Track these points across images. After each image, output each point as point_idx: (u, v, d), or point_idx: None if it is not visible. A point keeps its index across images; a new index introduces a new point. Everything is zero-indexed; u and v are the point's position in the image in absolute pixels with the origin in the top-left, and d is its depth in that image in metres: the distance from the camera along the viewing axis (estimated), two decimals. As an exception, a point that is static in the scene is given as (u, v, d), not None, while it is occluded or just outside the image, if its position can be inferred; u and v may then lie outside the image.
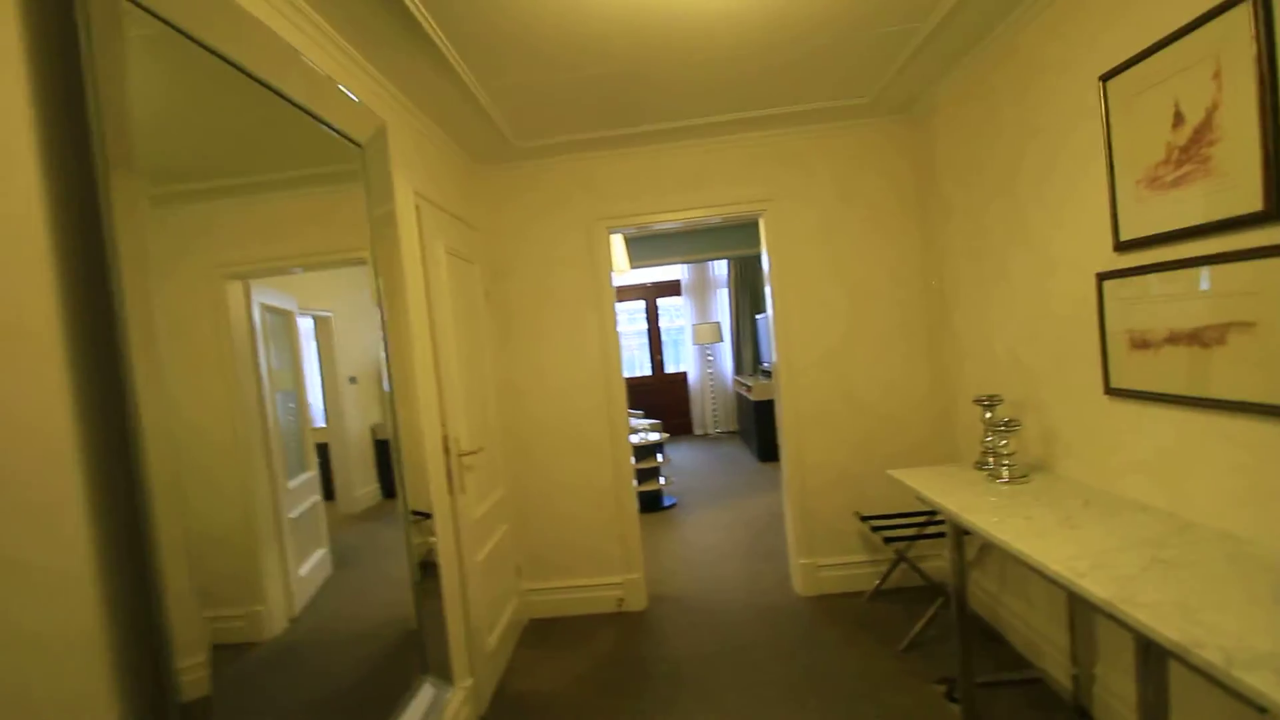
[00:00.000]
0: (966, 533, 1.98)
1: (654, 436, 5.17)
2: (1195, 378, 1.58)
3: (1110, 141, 1.79)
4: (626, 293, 8.64)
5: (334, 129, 1.87)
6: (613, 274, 3.29)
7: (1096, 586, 1.28)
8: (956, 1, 2.03)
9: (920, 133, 3.02)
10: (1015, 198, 2.30)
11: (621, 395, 3.26)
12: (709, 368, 8.34)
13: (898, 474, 2.42)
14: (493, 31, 1.95)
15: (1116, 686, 1.99)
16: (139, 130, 1.13)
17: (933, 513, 2.95)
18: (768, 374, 6.98)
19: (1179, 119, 1.56)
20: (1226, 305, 1.47)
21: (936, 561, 3.16)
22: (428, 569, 2.44)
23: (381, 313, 2.24)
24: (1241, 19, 1.37)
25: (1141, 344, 1.76)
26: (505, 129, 2.72)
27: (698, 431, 8.51)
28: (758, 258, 7.83)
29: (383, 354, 2.31)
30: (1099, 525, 1.65)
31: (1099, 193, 1.86)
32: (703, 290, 8.38)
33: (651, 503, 5.07)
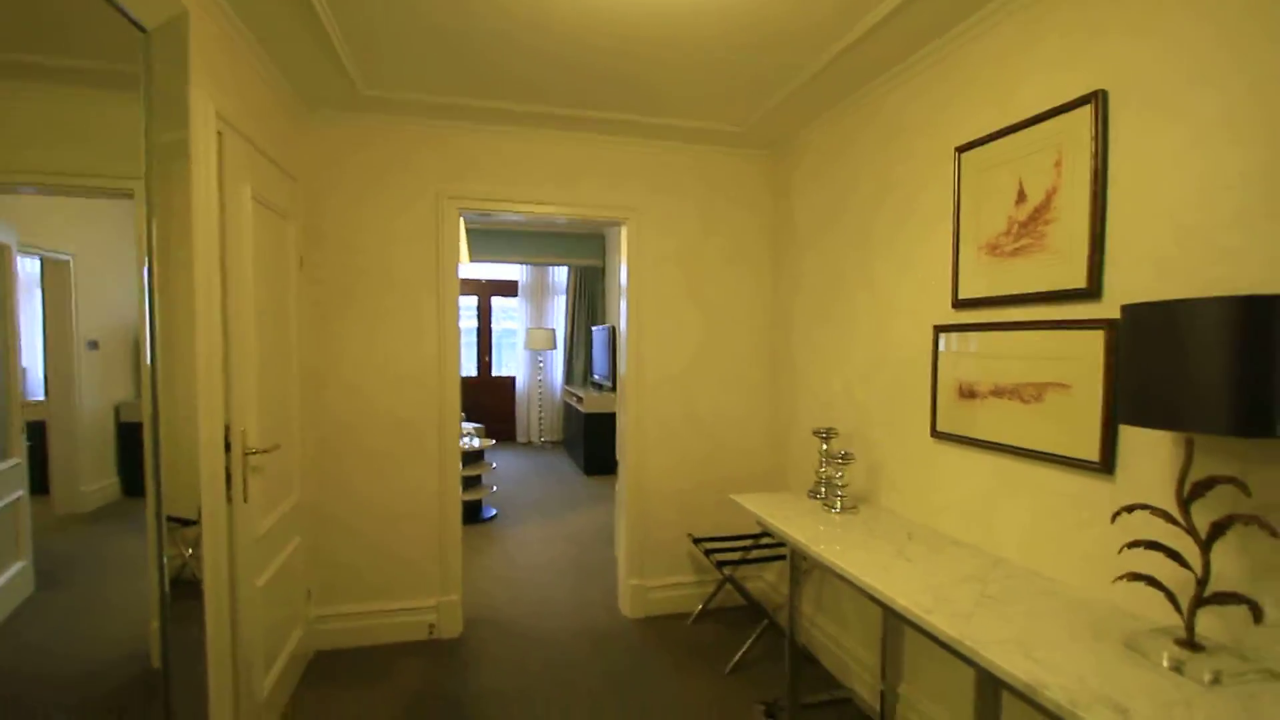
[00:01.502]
0: (797, 557, 2.04)
1: (477, 442, 4.80)
2: (1013, 428, 1.77)
3: (959, 206, 1.97)
4: (461, 286, 8.08)
5: None
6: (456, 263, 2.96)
7: (945, 624, 1.33)
8: (839, 51, 2.12)
9: (784, 170, 3.16)
10: (867, 245, 2.46)
11: (455, 396, 2.93)
12: (539, 374, 8.09)
13: (741, 499, 2.44)
14: (359, -57, 1.59)
15: (919, 703, 2.16)
16: None
17: (760, 535, 3.05)
18: (599, 386, 6.94)
19: (1022, 196, 1.75)
20: (1047, 367, 1.66)
21: (757, 583, 3.28)
22: (182, 590, 1.91)
23: (150, 262, 1.71)
24: (1083, 118, 1.56)
25: (969, 394, 1.94)
26: (353, 70, 2.29)
27: (521, 439, 8.20)
28: (599, 270, 7.82)
29: (146, 315, 1.77)
30: (929, 559, 1.76)
31: (944, 251, 2.04)
32: (540, 294, 8.14)
33: (472, 514, 4.69)
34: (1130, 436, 1.45)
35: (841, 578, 1.71)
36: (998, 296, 1.83)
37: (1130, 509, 1.31)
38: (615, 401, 6.26)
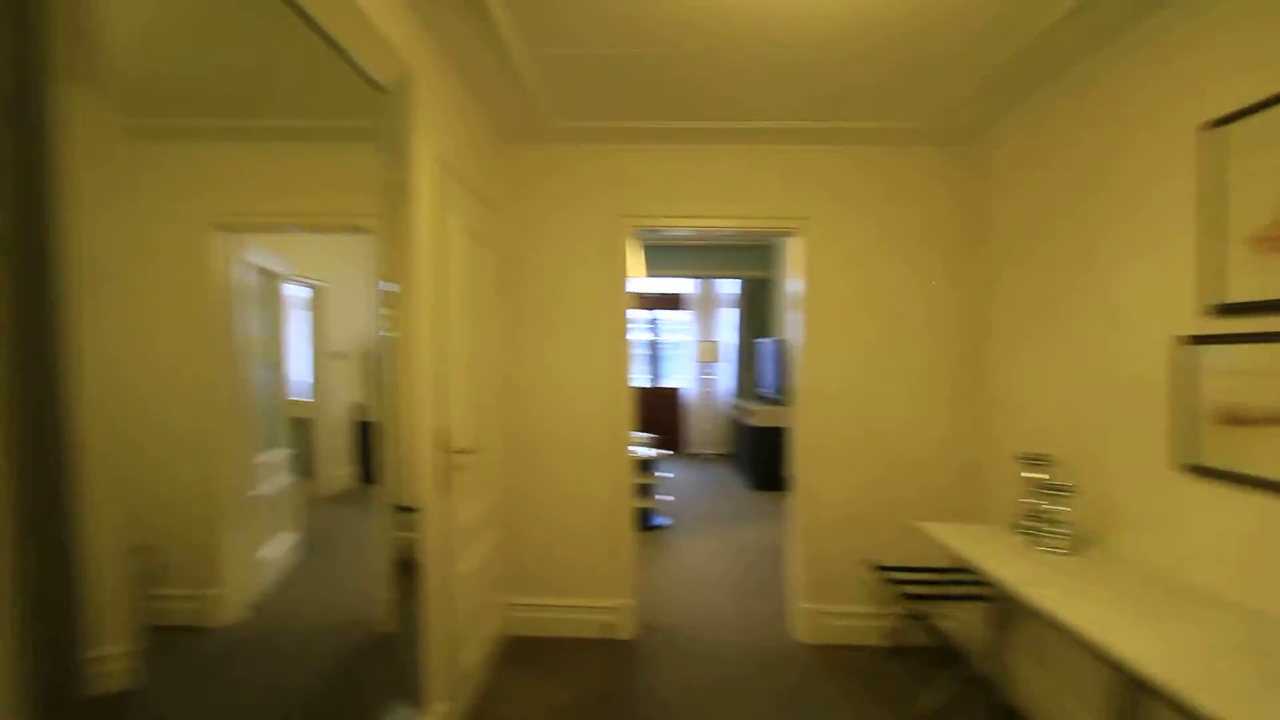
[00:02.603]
0: (1003, 599, 1.80)
1: (650, 452, 4.94)
2: (1309, 464, 1.40)
3: (1212, 194, 1.62)
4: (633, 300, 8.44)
5: (356, 65, 1.65)
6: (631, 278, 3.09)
7: (1226, 709, 1.08)
8: (1042, 31, 1.86)
9: (976, 166, 2.86)
10: (1084, 246, 2.13)
11: (628, 406, 3.05)
12: (706, 386, 8.14)
13: (931, 528, 2.23)
14: (554, -9, 1.74)
15: (1163, 793, 1.79)
16: (122, 46, 0.92)
17: (951, 569, 2.75)
18: (767, 400, 6.79)
19: (1318, 174, 1.39)
20: (1366, 387, 1.29)
21: (947, 622, 2.96)
22: (406, 570, 2.19)
23: (385, 289, 2.01)
24: None
25: (1233, 419, 1.58)
26: (543, 105, 2.51)
27: (688, 451, 8.30)
28: (767, 281, 7.69)
29: (380, 333, 2.08)
30: (1180, 619, 1.46)
31: (1187, 248, 1.69)
32: (708, 307, 8.20)
33: (642, 521, 4.84)
34: None
35: (1066, 631, 1.47)
36: (1273, 301, 1.47)
37: None
38: (784, 416, 6.09)
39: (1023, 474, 2.17)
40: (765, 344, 7.07)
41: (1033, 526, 2.08)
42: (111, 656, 0.90)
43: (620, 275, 3.04)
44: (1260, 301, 1.52)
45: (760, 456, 6.23)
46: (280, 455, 3.64)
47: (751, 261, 7.64)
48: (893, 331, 2.99)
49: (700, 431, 8.22)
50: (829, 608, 3.02)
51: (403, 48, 1.76)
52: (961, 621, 2.93)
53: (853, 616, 3.02)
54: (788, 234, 3.06)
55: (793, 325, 3.08)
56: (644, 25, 1.93)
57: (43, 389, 0.75)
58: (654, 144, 2.96)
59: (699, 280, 8.05)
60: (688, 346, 8.23)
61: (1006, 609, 2.49)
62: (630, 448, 3.09)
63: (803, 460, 3.02)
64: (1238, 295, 1.58)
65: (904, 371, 3.00)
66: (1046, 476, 2.10)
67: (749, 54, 2.09)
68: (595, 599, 3.06)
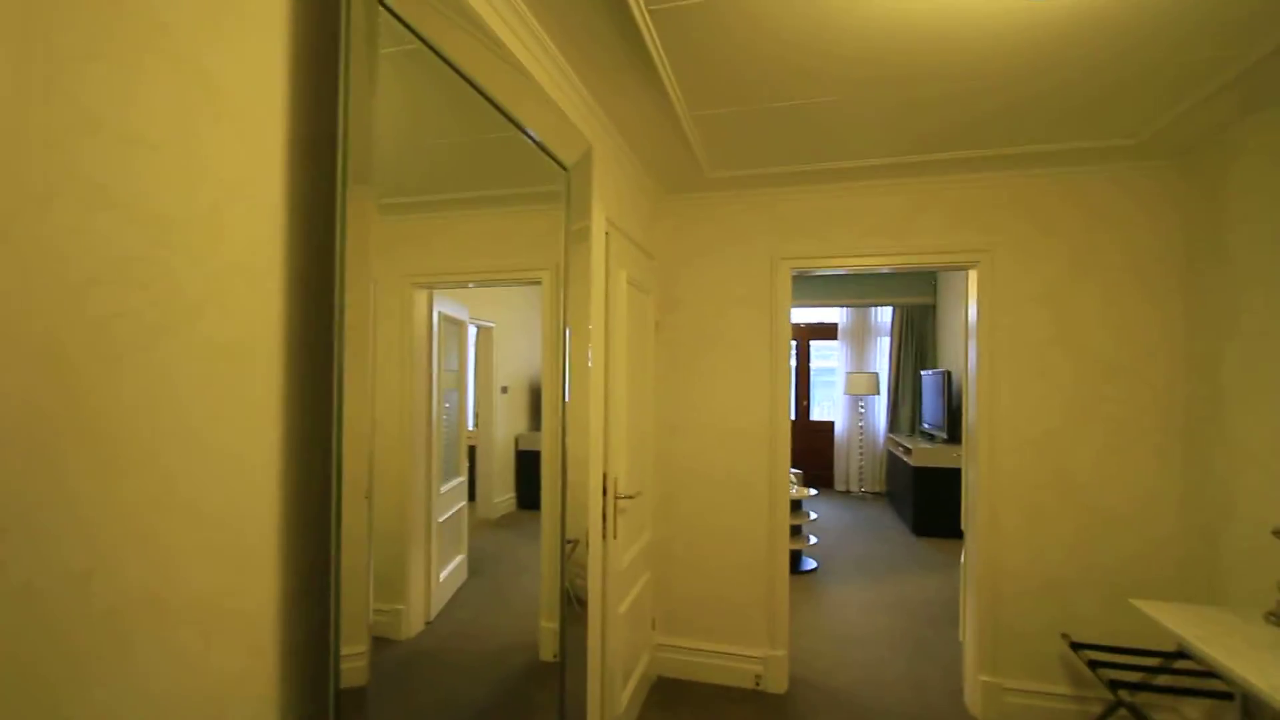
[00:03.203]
0: (1246, 702, 1.48)
1: (800, 490, 4.78)
2: None
3: None
4: (777, 331, 8.30)
5: (548, 152, 1.82)
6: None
7: None
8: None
9: (1198, 182, 2.47)
10: (1367, 276, 1.74)
11: (786, 448, 2.98)
12: (860, 420, 7.71)
13: (1148, 608, 1.91)
14: (715, 56, 1.81)
15: None
16: (377, 145, 1.12)
17: (1173, 655, 2.33)
18: (930, 436, 6.27)
19: None
20: None
21: (1168, 716, 2.50)
22: (569, 602, 2.31)
23: (560, 335, 2.18)
24: None
25: None
26: (702, 158, 2.59)
27: (839, 487, 7.89)
28: (930, 308, 7.17)
29: (558, 371, 2.25)
30: None
31: None
32: (861, 336, 7.80)
33: (791, 564, 4.67)
34: None
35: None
36: None
37: None
38: (952, 455, 5.58)
39: None
40: (929, 376, 6.57)
41: (1294, 620, 1.71)
42: (353, 655, 1.07)
43: (777, 316, 3.01)
44: None
45: (921, 498, 5.76)
46: (457, 483, 4.03)
47: (911, 288, 7.19)
48: (1095, 373, 2.64)
49: (853, 468, 7.79)
50: (1011, 683, 2.69)
51: (583, 127, 1.92)
52: (1184, 716, 2.46)
53: (1043, 696, 2.65)
54: (963, 268, 2.84)
55: (971, 359, 2.84)
56: (799, 85, 1.94)
57: (321, 429, 0.94)
58: (810, 184, 2.92)
59: (850, 309, 7.71)
60: (838, 377, 7.89)
61: (1249, 710, 2.05)
62: (788, 487, 3.01)
63: (981, 517, 2.75)
64: None
65: (1106, 417, 2.63)
66: (1312, 560, 1.72)
67: (901, 96, 2.00)
68: (744, 647, 2.99)
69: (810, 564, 4.83)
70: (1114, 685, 2.29)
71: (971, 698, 2.77)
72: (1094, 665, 2.38)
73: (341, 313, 0.92)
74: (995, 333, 2.74)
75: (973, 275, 2.80)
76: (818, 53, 1.77)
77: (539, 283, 3.27)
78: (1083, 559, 2.64)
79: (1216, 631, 1.74)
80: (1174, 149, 2.45)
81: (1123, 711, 2.40)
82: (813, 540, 5.20)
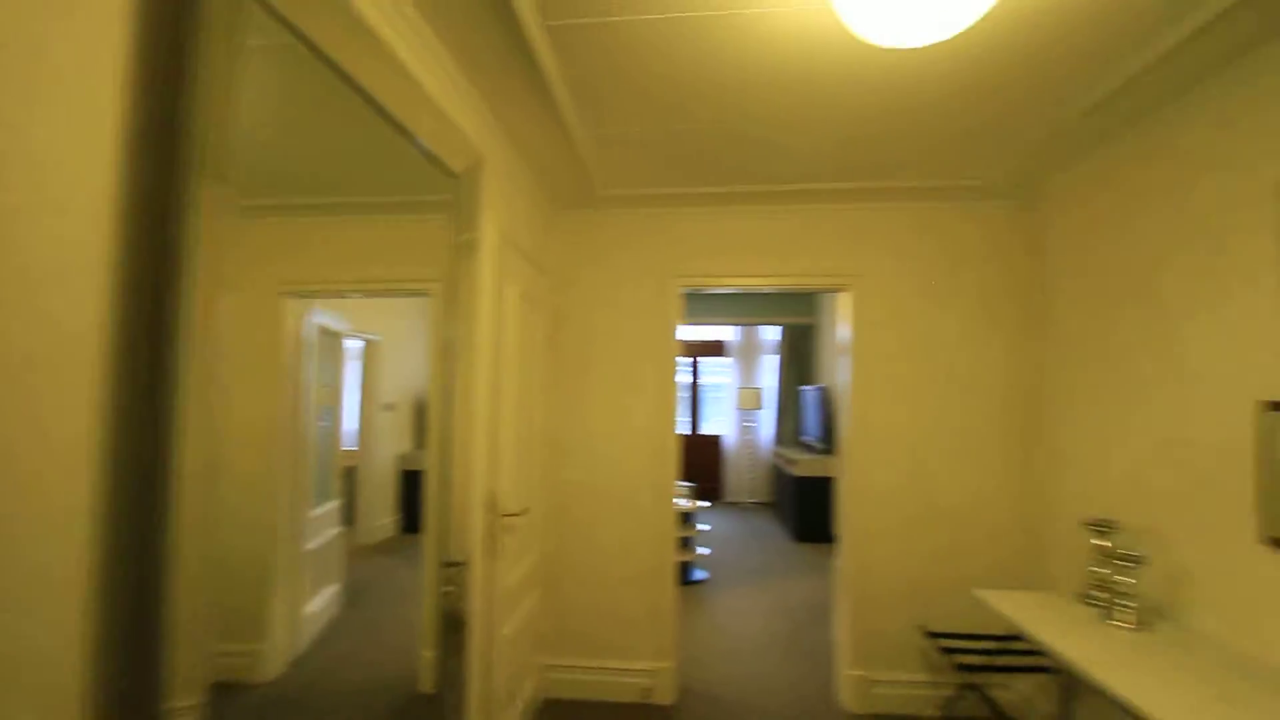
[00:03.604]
0: (1066, 673, 1.70)
1: (690, 503, 4.90)
2: (1406, 547, 1.32)
3: (1289, 256, 1.58)
4: (670, 347, 8.50)
5: (435, 158, 1.77)
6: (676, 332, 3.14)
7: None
8: (1117, 87, 1.87)
9: (1031, 222, 2.84)
10: (1153, 305, 2.08)
11: (674, 461, 3.05)
12: (747, 434, 8.06)
13: (989, 597, 2.14)
14: (608, 75, 1.85)
15: None
16: (238, 140, 1.03)
17: (1010, 637, 2.62)
18: (810, 448, 6.68)
19: (1393, 242, 1.35)
20: None
21: (1006, 693, 2.80)
22: (450, 627, 2.20)
23: (444, 351, 2.10)
24: None
25: (1320, 492, 1.50)
26: (595, 176, 2.63)
27: (730, 499, 8.18)
28: (811, 328, 7.66)
29: (433, 388, 2.16)
30: (1263, 710, 1.36)
31: (1273, 309, 1.65)
32: (749, 353, 8.19)
33: (681, 576, 4.76)
34: None
35: (1093, 690, 1.39)
36: (1363, 370, 1.41)
37: None
38: (830, 465, 5.97)
39: (1092, 541, 2.09)
40: (809, 391, 7.00)
41: (1099, 598, 1.99)
42: (186, 709, 0.94)
43: (666, 334, 3.09)
44: (1336, 372, 1.46)
45: (803, 507, 6.10)
46: (331, 507, 3.72)
47: (794, 308, 7.65)
48: (947, 390, 2.94)
49: (740, 480, 8.10)
50: (878, 675, 2.90)
51: (474, 137, 1.88)
52: (1020, 693, 2.77)
53: (905, 685, 2.88)
54: (838, 289, 3.08)
55: (841, 374, 3.07)
56: (689, 108, 2.03)
57: (150, 446, 0.83)
58: (702, 207, 3.05)
59: (740, 327, 8.07)
60: (728, 393, 8.21)
61: (1069, 683, 2.35)
62: (675, 501, 3.08)
63: (851, 523, 2.96)
64: (1311, 364, 1.52)
65: (959, 430, 2.93)
66: (1112, 545, 2.01)
67: (794, 135, 2.16)
68: (634, 661, 3.01)
69: (701, 575, 4.95)
70: (961, 668, 2.54)
71: (844, 692, 2.96)
72: (945, 652, 2.63)
73: (180, 322, 0.83)
74: (864, 351, 2.98)
75: (846, 297, 3.04)
76: (706, 79, 1.87)
77: (425, 294, 3.13)
78: (938, 557, 2.91)
79: (1042, 614, 1.99)
80: (1014, 191, 2.81)
81: (970, 693, 2.66)
82: (703, 551, 5.32)
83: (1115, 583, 1.93)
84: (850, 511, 2.96)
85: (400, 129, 1.59)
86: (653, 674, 2.98)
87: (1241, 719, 1.32)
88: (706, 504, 5.15)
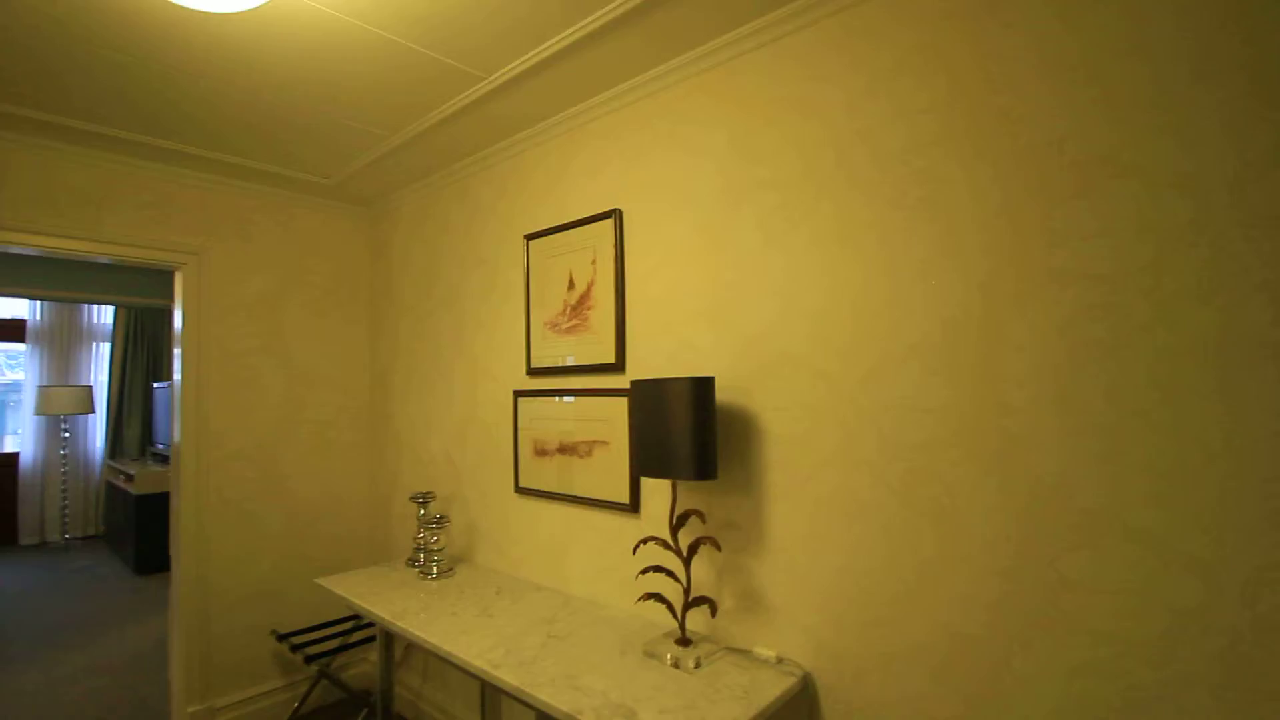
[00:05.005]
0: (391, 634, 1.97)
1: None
2: (574, 480, 2.06)
3: (529, 287, 2.24)
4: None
5: None
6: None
7: (509, 675, 1.45)
8: (416, 133, 2.22)
9: (383, 230, 3.10)
10: (460, 312, 2.59)
11: None
12: (63, 448, 6.00)
13: (326, 581, 2.24)
14: None
15: (512, 750, 2.27)
16: None
17: (353, 616, 2.83)
18: (163, 459, 5.53)
19: (572, 284, 2.09)
20: (595, 427, 1.99)
21: (362, 667, 3.01)
22: None
23: None
24: (608, 229, 1.96)
25: (541, 451, 2.19)
26: None
27: (28, 541, 5.90)
28: (165, 311, 6.31)
29: None
30: (511, 611, 1.89)
31: (519, 324, 2.29)
32: (66, 340, 6.10)
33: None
34: (647, 481, 1.84)
35: (430, 649, 1.70)
36: (558, 366, 2.13)
37: (645, 540, 1.65)
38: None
39: (417, 513, 2.43)
40: (163, 389, 5.76)
41: (418, 558, 2.35)
42: None
43: None
44: (547, 367, 2.16)
45: (146, 530, 5.00)
46: None
47: (140, 286, 6.10)
48: (299, 381, 2.90)
49: (52, 512, 5.97)
50: (225, 699, 2.63)
51: None
52: (374, 664, 3.03)
53: (257, 699, 2.72)
54: (169, 268, 2.58)
55: (176, 369, 2.60)
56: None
57: None
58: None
59: (47, 304, 5.92)
60: (28, 393, 5.90)
61: (388, 640, 2.71)
62: None
63: (188, 534, 2.57)
64: (537, 361, 2.20)
65: (312, 422, 2.94)
66: (425, 513, 2.41)
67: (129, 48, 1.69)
68: None
69: (-47, 664, 3.37)
70: (310, 659, 2.57)
71: (181, 737, 2.55)
72: (296, 649, 2.61)
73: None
74: (204, 341, 2.63)
75: (179, 277, 2.60)
76: None
77: None
78: (292, 554, 2.86)
79: (372, 585, 2.20)
80: (361, 197, 2.99)
81: (324, 682, 2.73)
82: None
83: (428, 543, 2.33)
84: (187, 526, 2.58)
85: None
86: None
87: (485, 625, 1.78)
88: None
